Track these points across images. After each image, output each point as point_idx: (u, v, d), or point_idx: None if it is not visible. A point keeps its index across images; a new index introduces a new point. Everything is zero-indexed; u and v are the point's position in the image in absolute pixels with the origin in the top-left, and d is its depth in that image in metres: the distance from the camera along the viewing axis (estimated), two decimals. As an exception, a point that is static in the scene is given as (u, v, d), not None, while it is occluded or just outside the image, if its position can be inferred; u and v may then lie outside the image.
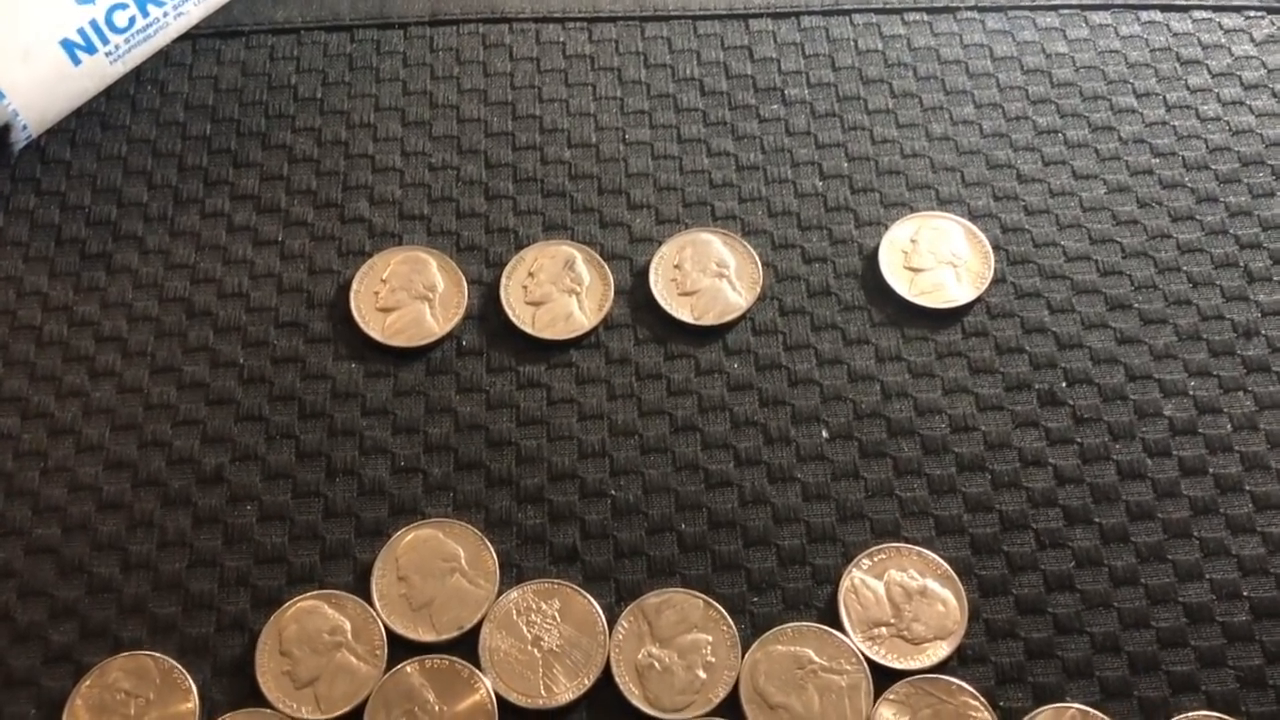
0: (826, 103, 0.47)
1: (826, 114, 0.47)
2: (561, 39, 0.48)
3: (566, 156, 0.46)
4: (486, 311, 0.43)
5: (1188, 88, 0.47)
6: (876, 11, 0.49)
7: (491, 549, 0.39)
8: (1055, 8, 0.49)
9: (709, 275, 0.43)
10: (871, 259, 0.44)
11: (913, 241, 0.44)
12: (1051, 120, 0.46)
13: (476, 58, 0.48)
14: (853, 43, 0.48)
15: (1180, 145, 0.46)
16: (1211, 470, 0.40)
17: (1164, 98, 0.47)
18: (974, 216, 0.44)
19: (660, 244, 0.44)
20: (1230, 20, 0.49)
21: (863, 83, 0.47)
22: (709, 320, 0.42)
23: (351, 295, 0.43)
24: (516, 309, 0.43)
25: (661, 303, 0.43)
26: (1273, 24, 0.48)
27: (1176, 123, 0.46)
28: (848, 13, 0.49)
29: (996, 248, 0.44)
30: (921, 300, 0.43)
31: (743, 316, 0.43)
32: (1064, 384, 0.41)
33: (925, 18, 0.49)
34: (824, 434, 0.41)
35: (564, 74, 0.48)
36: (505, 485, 0.40)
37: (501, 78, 0.47)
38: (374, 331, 0.42)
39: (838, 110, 0.47)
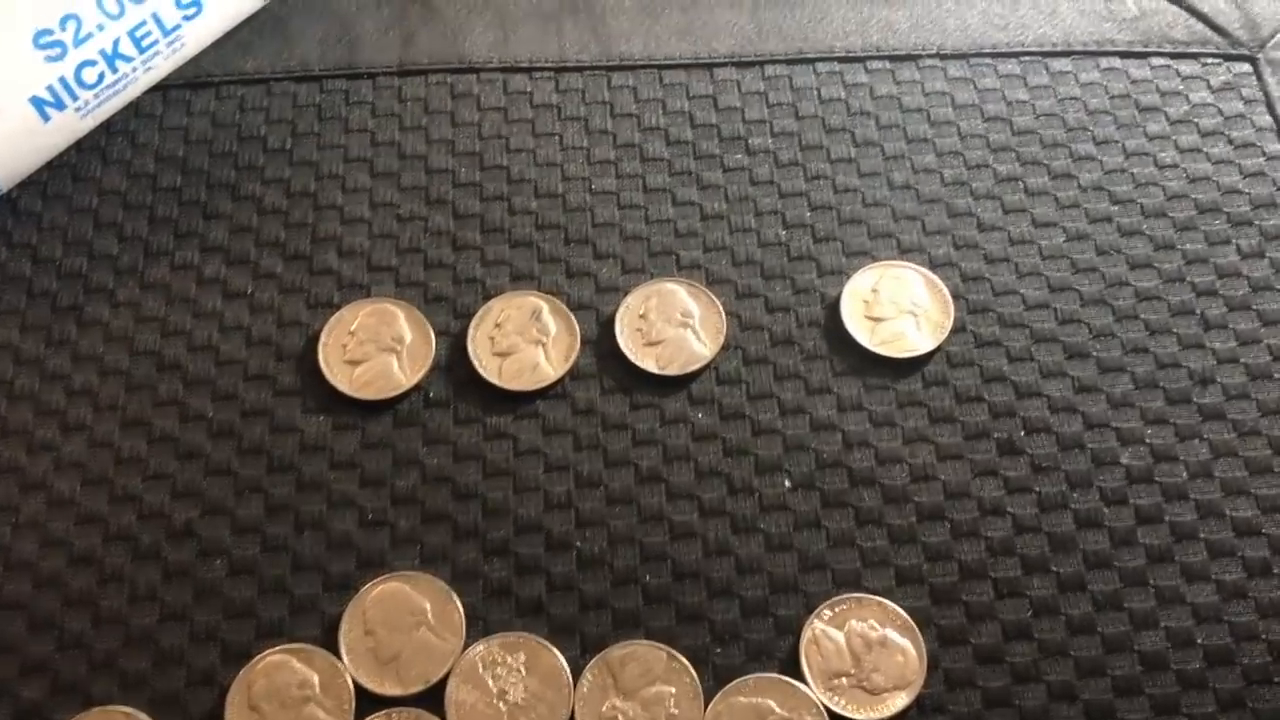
0: (789, 151, 0.48)
1: (789, 163, 0.47)
2: (528, 89, 0.49)
3: (533, 206, 0.46)
4: (454, 362, 0.43)
5: (1146, 134, 0.48)
6: (839, 60, 0.49)
7: (458, 602, 0.39)
8: (1016, 55, 0.50)
9: (674, 325, 0.44)
10: (833, 308, 0.44)
11: (874, 291, 0.45)
12: (1012, 168, 0.47)
13: (444, 108, 0.48)
14: (815, 91, 0.49)
15: (1138, 192, 0.47)
16: (1168, 518, 0.41)
17: (1123, 145, 0.48)
18: (934, 265, 0.45)
19: (626, 294, 0.44)
20: (1187, 67, 0.49)
21: (825, 131, 0.48)
22: (674, 370, 0.43)
23: (320, 348, 0.43)
24: (483, 360, 0.43)
25: (627, 353, 0.43)
26: (1229, 71, 0.49)
27: (1135, 170, 0.47)
28: (810, 61, 0.49)
29: (956, 296, 0.44)
30: (882, 350, 0.43)
31: (707, 366, 0.43)
32: (1023, 433, 0.42)
33: (887, 65, 0.49)
34: (786, 484, 0.41)
35: (531, 124, 0.48)
36: (472, 537, 0.40)
37: (469, 128, 0.48)
38: (342, 384, 0.43)
39: (800, 159, 0.47)
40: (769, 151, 0.48)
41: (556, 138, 0.48)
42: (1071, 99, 0.49)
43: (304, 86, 0.49)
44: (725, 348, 0.44)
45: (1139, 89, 0.49)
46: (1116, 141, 0.48)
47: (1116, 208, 0.46)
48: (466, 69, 0.49)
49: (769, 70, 0.49)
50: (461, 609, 0.39)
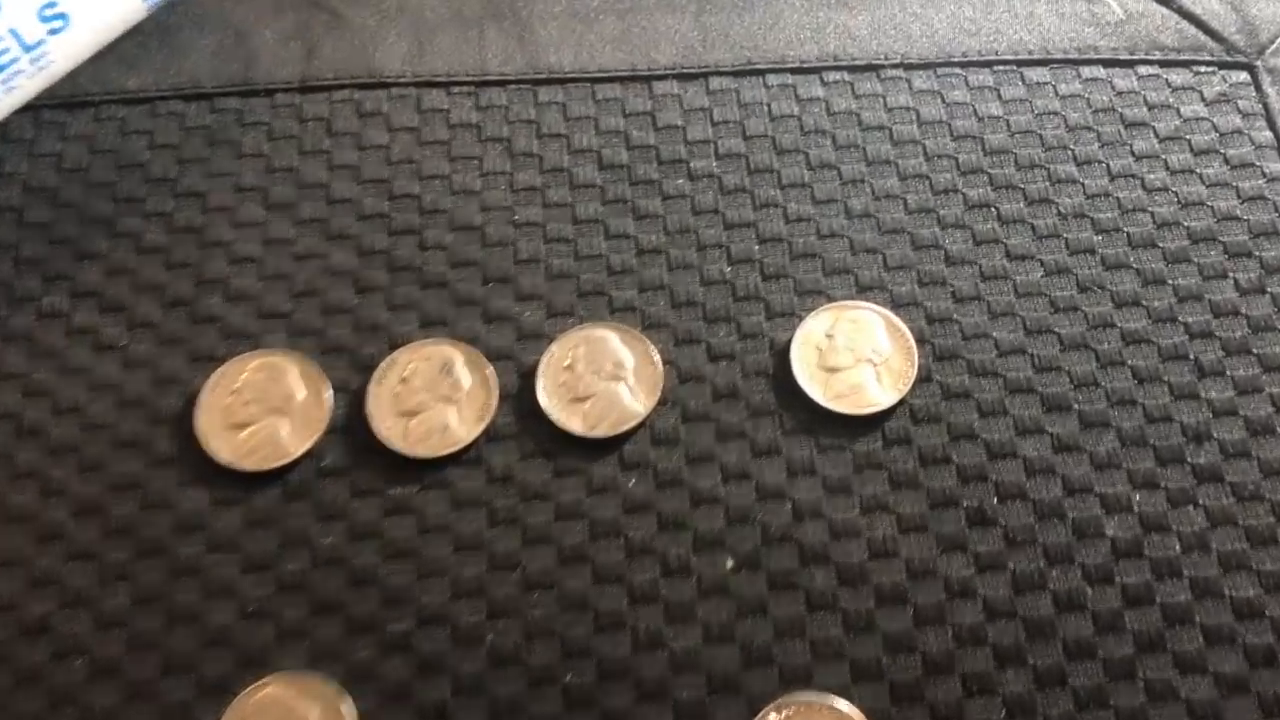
0: (736, 176, 0.42)
1: (736, 189, 0.42)
2: (445, 106, 0.44)
3: (447, 241, 0.41)
4: (352, 424, 0.38)
5: (1133, 153, 0.43)
6: (792, 71, 0.44)
7: (350, 707, 0.34)
8: (989, 64, 0.45)
9: (604, 378, 0.39)
10: (783, 356, 0.39)
11: (829, 337, 0.40)
12: (983, 193, 0.42)
13: (350, 128, 0.43)
14: (765, 107, 0.44)
15: (1125, 219, 0.42)
16: (1159, 599, 0.36)
17: (1107, 165, 0.43)
18: (897, 305, 0.40)
19: (551, 341, 0.39)
20: (1178, 76, 0.44)
21: (776, 152, 0.43)
22: (603, 430, 0.38)
23: (199, 409, 0.38)
24: (386, 421, 0.38)
25: (550, 411, 0.38)
26: (1224, 80, 0.44)
27: (1121, 194, 0.42)
28: (760, 73, 0.44)
29: (921, 341, 0.40)
30: (838, 405, 0.38)
31: (640, 425, 0.38)
32: (995, 500, 0.37)
33: (846, 77, 0.44)
34: (728, 563, 0.36)
35: (447, 146, 0.43)
36: (368, 631, 0.35)
37: (377, 151, 0.43)
38: (223, 452, 0.37)
39: (748, 185, 0.42)
40: (713, 176, 0.42)
41: (475, 162, 0.43)
42: (1050, 114, 0.44)
43: (193, 106, 0.44)
44: (662, 403, 0.39)
45: (1125, 101, 0.44)
46: (1100, 161, 0.43)
47: (1100, 237, 0.41)
48: (376, 84, 0.44)
49: (714, 83, 0.44)
50: (354, 716, 0.34)
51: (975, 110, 0.44)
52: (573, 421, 0.38)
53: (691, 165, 0.43)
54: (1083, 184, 0.42)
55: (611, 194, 0.42)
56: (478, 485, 0.37)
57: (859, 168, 0.43)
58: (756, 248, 0.41)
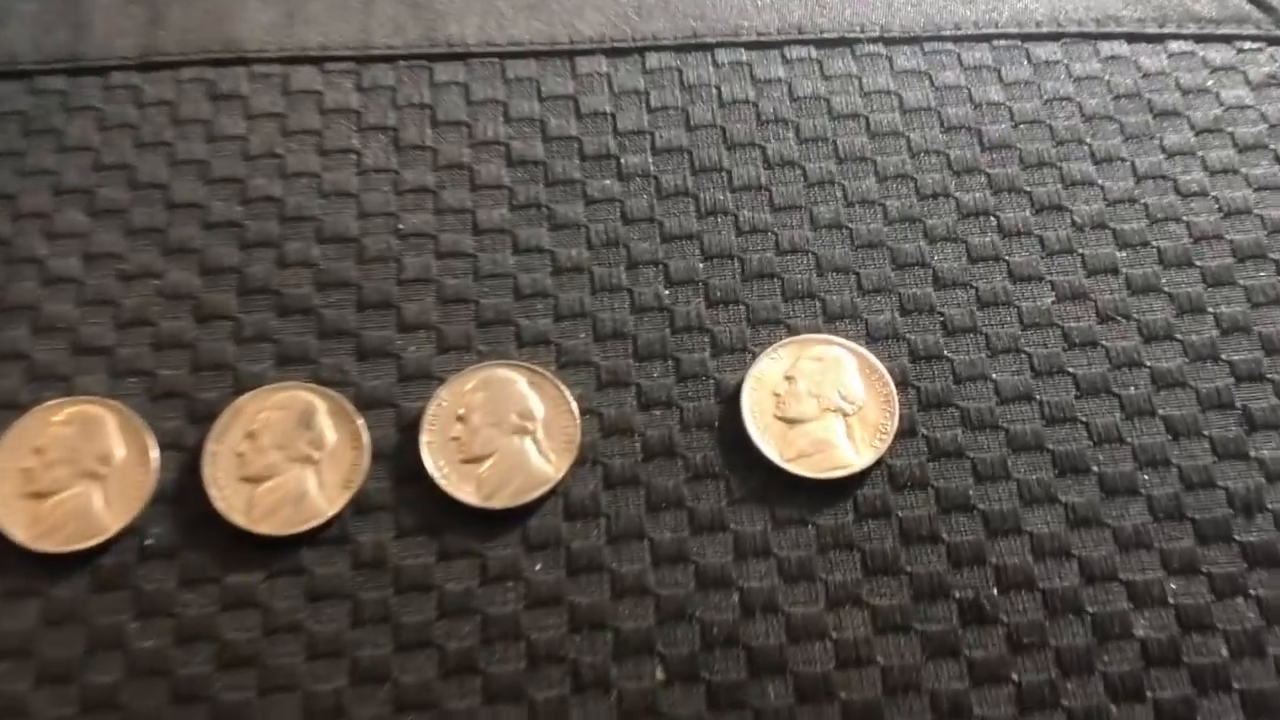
0: (677, 174, 0.34)
1: (676, 192, 0.34)
2: (318, 87, 0.35)
3: (314, 255, 0.33)
4: (185, 492, 0.30)
5: (1163, 149, 0.35)
6: (747, 46, 0.36)
7: None
8: (987, 37, 0.37)
9: (506, 432, 0.31)
10: (732, 404, 0.31)
11: (788, 379, 0.32)
12: (981, 198, 0.34)
13: (199, 114, 0.35)
14: (714, 90, 0.36)
15: (1154, 231, 0.34)
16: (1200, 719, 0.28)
17: (1132, 164, 0.35)
18: (873, 339, 0.32)
19: (440, 385, 0.31)
20: (1218, 54, 0.37)
21: (726, 147, 0.35)
22: (503, 501, 0.30)
23: (-13, 475, 0.30)
24: (226, 489, 0.30)
25: (436, 475, 0.30)
26: (1273, 59, 0.36)
27: (1149, 199, 0.34)
28: (708, 47, 0.36)
29: (904, 384, 0.32)
30: (799, 467, 0.31)
31: (551, 493, 0.30)
32: (995, 590, 0.30)
33: (813, 54, 0.36)
34: (658, 673, 0.29)
35: (318, 137, 0.35)
36: (191, 768, 0.28)
37: (231, 143, 0.34)
38: (18, 529, 0.29)
39: (691, 187, 0.34)
40: (649, 175, 0.34)
41: (353, 156, 0.35)
42: (1062, 99, 0.36)
43: (8, 86, 0.35)
44: (579, 463, 0.31)
45: (1152, 85, 0.36)
46: (1123, 159, 0.35)
47: (1125, 253, 0.34)
48: (234, 59, 0.36)
49: (651, 60, 0.36)
50: None
51: (971, 95, 0.36)
52: (465, 488, 0.30)
53: (622, 162, 0.35)
54: (1102, 187, 0.35)
55: (522, 197, 0.34)
56: (341, 572, 0.30)
57: (828, 166, 0.35)
58: (701, 266, 0.33)
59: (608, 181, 0.34)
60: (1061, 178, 0.35)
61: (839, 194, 0.34)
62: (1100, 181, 0.35)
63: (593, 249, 0.33)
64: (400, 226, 0.34)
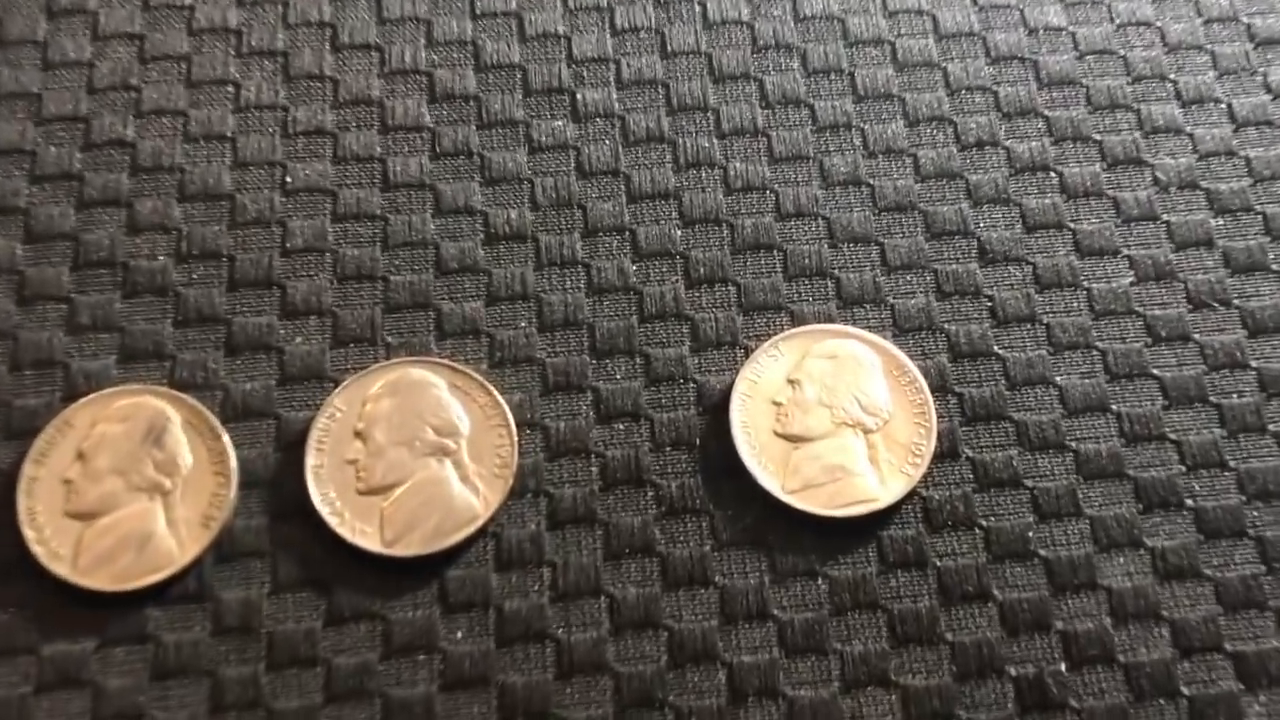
0: (649, 114, 0.27)
1: (647, 137, 0.27)
2: (187, 0, 0.28)
3: (175, 217, 0.25)
4: (-11, 534, 0.23)
5: (1268, 88, 0.28)
6: (741, -50, 0.28)
7: None
8: (1044, -56, 0.29)
9: (419, 453, 0.23)
10: (719, 416, 0.24)
11: (792, 384, 0.24)
12: (1039, 147, 0.27)
13: (30, 33, 0.27)
14: (697, 7, 0.28)
15: (1259, 193, 0.26)
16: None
17: (1229, 107, 0.27)
18: (902, 330, 0.25)
19: (334, 389, 0.24)
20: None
21: (713, 80, 0.27)
22: (414, 545, 0.23)
23: None
24: (47, 528, 0.22)
25: (325, 511, 0.23)
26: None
27: (1252, 152, 0.27)
28: (691, -48, 0.28)
29: (943, 390, 0.24)
30: (806, 501, 0.23)
31: (479, 534, 0.23)
32: (1063, 665, 0.22)
33: (824, -38, 0.28)
34: (618, 781, 0.22)
35: (184, 65, 0.27)
36: None
37: (71, 72, 0.26)
38: None
39: (667, 130, 0.27)
40: (611, 115, 0.27)
41: (229, 90, 0.27)
42: (1139, 24, 0.28)
43: None
44: (516, 494, 0.23)
45: (1253, 6, 0.29)
46: (1218, 101, 0.27)
47: (1222, 221, 0.26)
48: (79, -39, 0.28)
49: (618, -32, 0.28)
50: None
51: (1024, 17, 0.28)
52: (364, 528, 0.23)
53: (579, 98, 0.27)
54: (1192, 135, 0.27)
55: (448, 142, 0.26)
56: (198, 639, 0.22)
57: (843, 105, 0.27)
58: (679, 234, 0.26)
59: (559, 123, 0.27)
60: (1139, 123, 0.27)
61: (857, 141, 0.27)
62: (1188, 128, 0.27)
63: (539, 210, 0.26)
64: (288, 180, 0.26)
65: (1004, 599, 0.23)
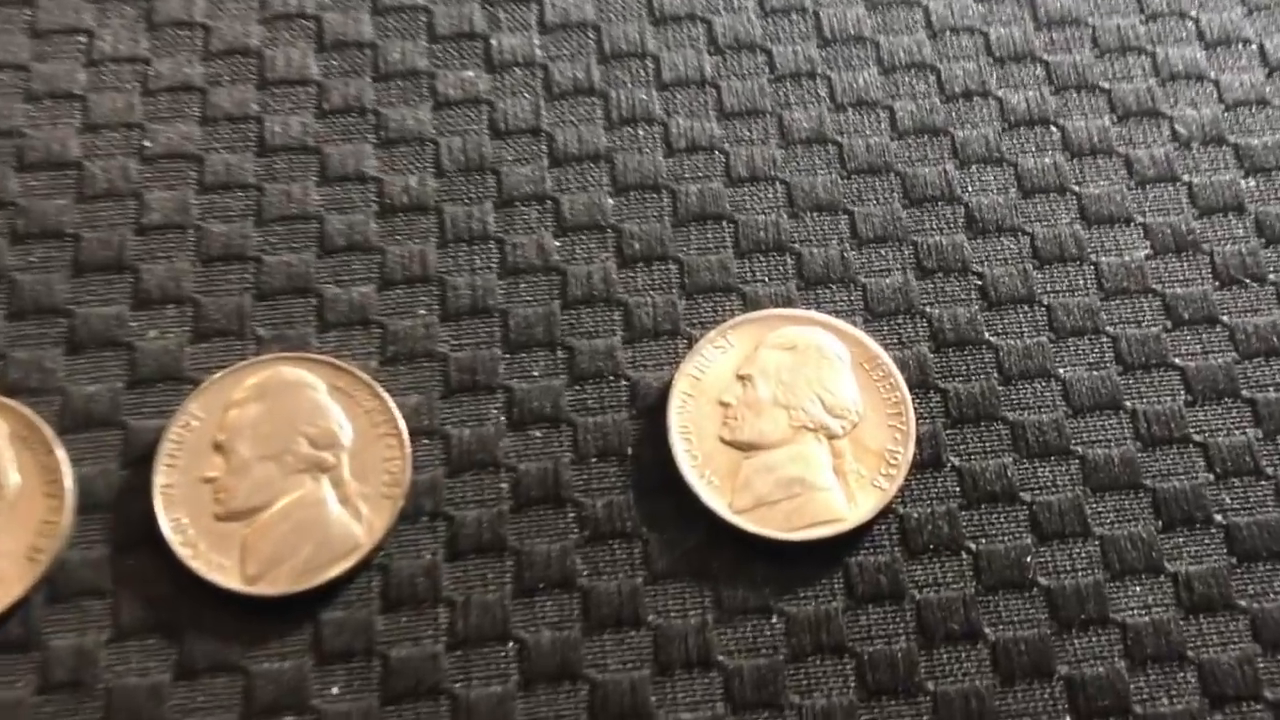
0: (576, 62, 0.23)
1: (574, 89, 0.23)
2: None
3: (11, 189, 0.21)
4: None
5: (1304, 25, 0.24)
6: None
7: None
8: None
9: (290, 468, 0.19)
10: (654, 419, 0.20)
11: (742, 380, 0.20)
12: (1036, 97, 0.23)
13: None
14: (635, -64, 0.24)
15: (1295, 147, 0.23)
16: None
17: (1260, 48, 0.23)
18: (875, 314, 0.21)
19: (191, 392, 0.20)
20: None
21: (651, 21, 0.23)
22: (284, 583, 0.19)
23: None
24: None
25: (176, 541, 0.19)
26: None
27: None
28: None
29: (924, 386, 0.20)
30: (758, 521, 0.19)
31: (362, 566, 0.19)
32: (1069, 719, 0.18)
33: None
34: None
35: (29, 10, 0.23)
36: None
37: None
38: None
39: (597, 80, 0.23)
40: (532, 64, 0.23)
41: (80, 39, 0.23)
42: (1153, -48, 0.24)
43: None
44: (408, 518, 0.19)
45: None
46: (1248, 41, 0.23)
47: (1253, 182, 0.22)
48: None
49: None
50: None
51: (1019, -57, 0.24)
52: (223, 561, 0.19)
53: (493, 44, 0.23)
54: (1217, 83, 0.23)
55: (338, 98, 0.22)
56: (22, 698, 0.18)
57: (806, 50, 0.23)
58: (610, 203, 0.22)
59: (469, 73, 0.23)
60: (1155, 68, 0.23)
61: (823, 92, 0.23)
62: (1213, 74, 0.23)
63: (444, 176, 0.22)
64: (146, 144, 0.22)
65: (997, 638, 0.19)
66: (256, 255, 0.21)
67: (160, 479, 0.19)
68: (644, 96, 0.23)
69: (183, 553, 0.19)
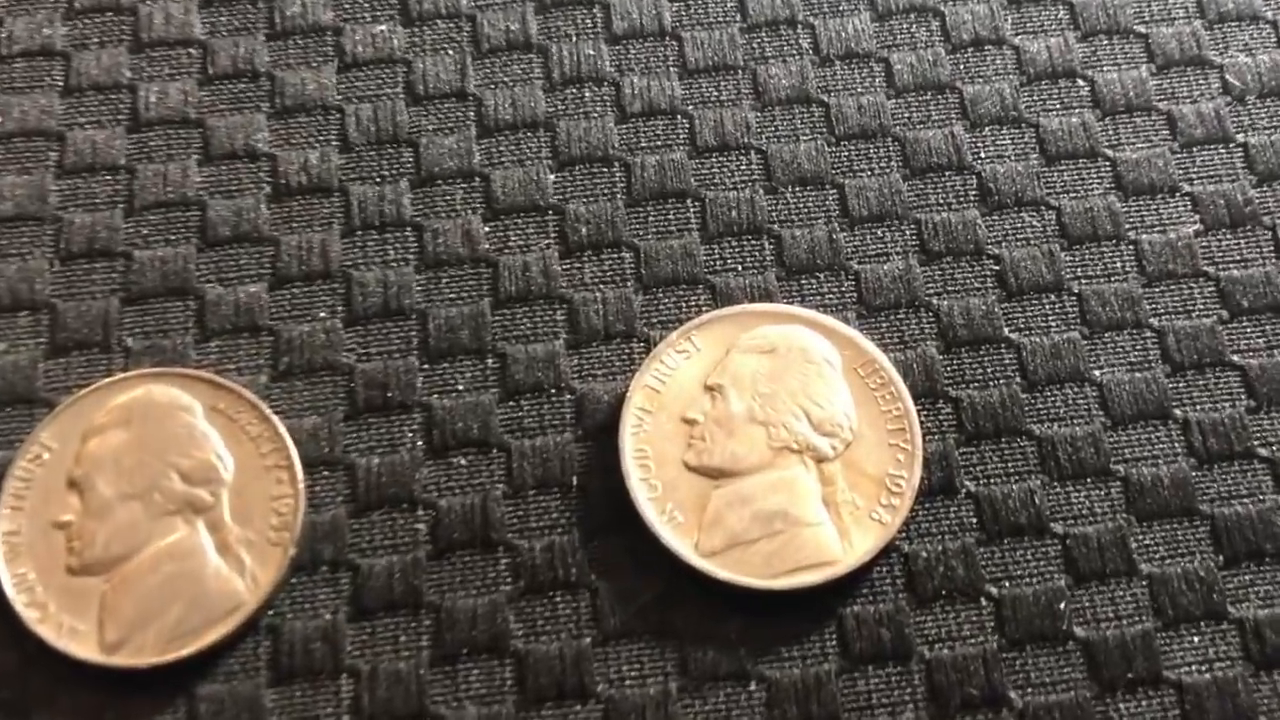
0: (510, 12, 0.19)
1: (508, 44, 0.19)
2: None
3: None
4: None
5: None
6: None
7: None
8: None
9: (159, 509, 0.16)
10: (604, 440, 0.17)
11: (711, 391, 0.17)
12: (1060, 44, 0.19)
13: None
14: None
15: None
16: None
17: (1275, 25, 0.20)
18: (871, 309, 0.17)
19: (44, 418, 0.16)
20: None
21: (601, -38, 0.20)
22: (150, 650, 0.15)
23: None
24: None
25: (19, 603, 0.16)
26: None
27: (1358, 42, 0.19)
28: None
29: (931, 395, 0.17)
30: (731, 566, 0.16)
31: (246, 629, 0.16)
32: (1118, 806, 0.15)
33: None
34: None
35: None
36: None
37: None
38: None
39: (534, 33, 0.19)
40: (457, 15, 0.19)
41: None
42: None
43: None
44: (299, 570, 0.16)
45: None
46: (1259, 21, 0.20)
47: (1319, 144, 0.19)
48: None
49: None
50: None
51: None
52: (76, 625, 0.15)
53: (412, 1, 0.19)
54: (1274, 24, 0.20)
55: (225, 59, 0.19)
56: None
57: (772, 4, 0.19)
58: (551, 179, 0.18)
59: (383, 27, 0.19)
60: (1200, 6, 0.20)
61: (805, 43, 0.19)
62: (1270, 13, 0.20)
63: (350, 151, 0.18)
64: (-5, 118, 0.18)
65: (1025, 705, 0.15)
66: (125, 250, 0.18)
67: (3, 525, 0.16)
68: (591, 51, 0.19)
69: (28, 615, 0.16)
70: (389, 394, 0.17)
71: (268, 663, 0.16)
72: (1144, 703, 0.16)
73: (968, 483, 0.17)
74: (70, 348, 0.17)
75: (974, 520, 0.17)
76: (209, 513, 0.16)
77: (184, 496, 0.16)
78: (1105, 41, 0.20)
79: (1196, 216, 0.18)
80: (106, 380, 0.17)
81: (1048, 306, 0.18)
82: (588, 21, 0.19)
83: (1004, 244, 0.18)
